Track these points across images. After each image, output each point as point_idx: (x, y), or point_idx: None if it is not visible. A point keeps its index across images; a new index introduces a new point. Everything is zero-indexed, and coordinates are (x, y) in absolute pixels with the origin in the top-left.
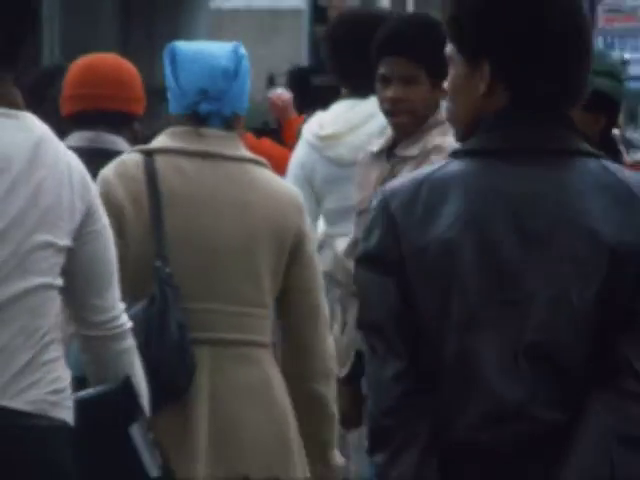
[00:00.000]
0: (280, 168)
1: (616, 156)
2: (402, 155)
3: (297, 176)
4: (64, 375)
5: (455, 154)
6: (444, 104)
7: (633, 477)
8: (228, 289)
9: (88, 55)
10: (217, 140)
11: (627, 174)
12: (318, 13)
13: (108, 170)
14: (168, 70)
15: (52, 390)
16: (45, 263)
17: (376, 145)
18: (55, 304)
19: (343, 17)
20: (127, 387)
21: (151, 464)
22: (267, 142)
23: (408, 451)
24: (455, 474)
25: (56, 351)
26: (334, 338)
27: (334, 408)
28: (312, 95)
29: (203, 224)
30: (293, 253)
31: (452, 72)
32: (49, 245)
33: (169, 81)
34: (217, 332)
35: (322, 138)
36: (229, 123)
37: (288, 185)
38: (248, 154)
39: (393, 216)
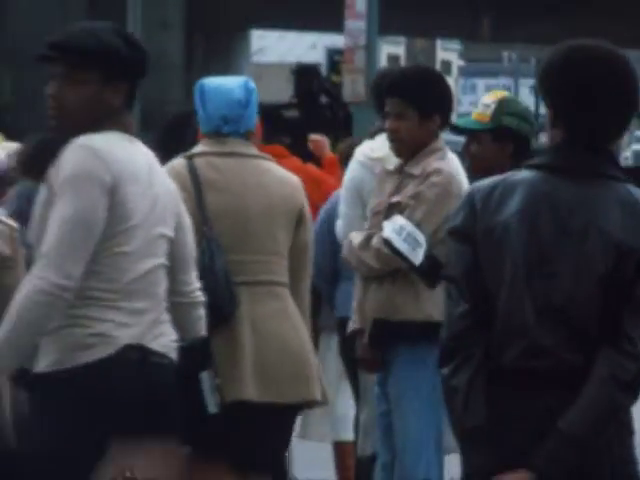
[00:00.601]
0: (320, 185)
1: None
2: (408, 172)
3: (348, 187)
4: (173, 331)
5: (527, 166)
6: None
7: (621, 408)
8: (255, 244)
9: None
10: (237, 144)
11: None
12: (333, 66)
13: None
14: (198, 100)
15: (171, 339)
16: (161, 248)
17: (392, 164)
18: (165, 279)
19: (381, 74)
20: (204, 344)
21: (212, 402)
22: (311, 167)
23: (464, 368)
24: (499, 391)
25: (168, 314)
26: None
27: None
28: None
29: (234, 201)
30: (298, 221)
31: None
32: (163, 236)
33: (198, 108)
34: (251, 275)
35: (373, 159)
36: (244, 137)
37: (290, 173)
38: (259, 152)
39: (475, 204)
